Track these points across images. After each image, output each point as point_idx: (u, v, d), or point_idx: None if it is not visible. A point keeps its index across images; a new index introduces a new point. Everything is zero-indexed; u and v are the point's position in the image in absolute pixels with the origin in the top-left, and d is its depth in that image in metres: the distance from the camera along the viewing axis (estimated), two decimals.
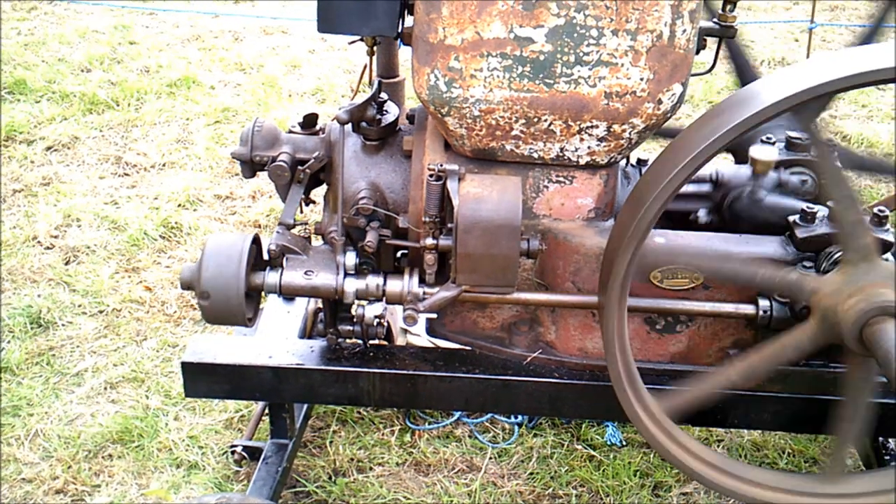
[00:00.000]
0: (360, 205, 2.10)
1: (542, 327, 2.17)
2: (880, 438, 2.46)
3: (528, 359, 2.17)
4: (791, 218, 1.97)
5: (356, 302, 2.17)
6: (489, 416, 2.83)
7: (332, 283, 2.08)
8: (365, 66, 2.52)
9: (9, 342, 3.08)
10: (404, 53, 2.29)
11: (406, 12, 2.05)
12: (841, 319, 1.72)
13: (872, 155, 4.00)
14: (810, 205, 1.98)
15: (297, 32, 6.17)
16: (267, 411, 2.55)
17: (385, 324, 2.20)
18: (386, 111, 2.21)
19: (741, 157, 2.27)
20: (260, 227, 3.88)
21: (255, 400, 2.72)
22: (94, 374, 2.97)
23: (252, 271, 2.08)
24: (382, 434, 2.78)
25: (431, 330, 2.27)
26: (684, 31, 1.85)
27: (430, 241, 2.00)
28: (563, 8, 1.81)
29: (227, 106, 4.96)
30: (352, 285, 2.08)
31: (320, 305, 2.36)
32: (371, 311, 2.18)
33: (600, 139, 1.96)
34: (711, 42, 2.27)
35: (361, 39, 2.19)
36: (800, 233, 1.94)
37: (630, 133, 1.95)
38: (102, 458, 2.67)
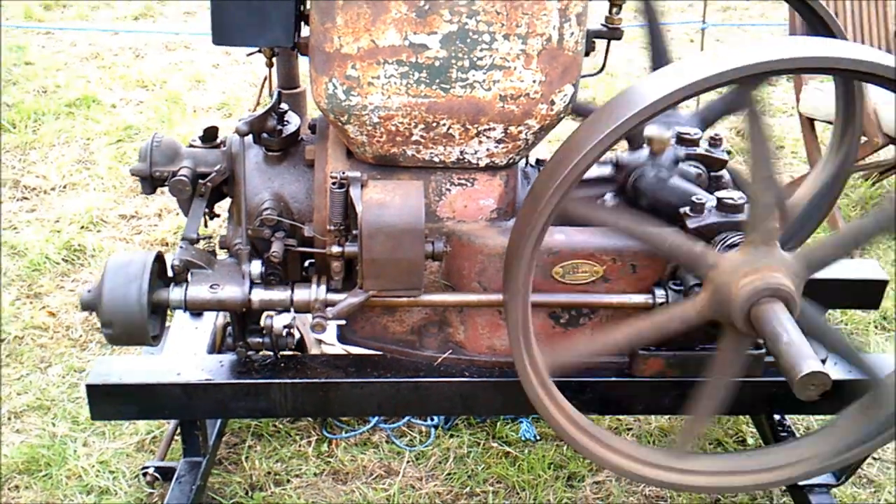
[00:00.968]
0: (264, 216, 2.09)
1: (451, 328, 2.21)
2: (775, 416, 2.58)
3: (439, 360, 2.20)
4: (682, 209, 2.05)
5: (265, 313, 2.16)
6: (406, 420, 2.85)
7: (238, 295, 2.07)
8: (265, 78, 2.52)
9: None
10: (305, 64, 2.30)
11: (302, 22, 2.06)
12: (733, 295, 1.81)
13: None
14: (699, 196, 2.07)
15: (200, 47, 6.10)
16: (179, 430, 2.51)
17: (295, 334, 2.19)
18: (287, 121, 2.21)
19: (636, 146, 2.32)
20: (167, 245, 3.81)
21: (164, 419, 2.67)
22: None
23: (156, 289, 2.05)
24: (299, 446, 2.76)
25: (343, 337, 2.27)
26: (572, 33, 1.91)
27: (335, 249, 2.01)
28: (455, 14, 1.85)
29: (129, 124, 4.86)
30: (258, 296, 2.08)
31: (229, 319, 2.34)
32: (280, 321, 2.17)
33: (498, 141, 2.01)
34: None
35: (260, 51, 2.19)
36: (690, 223, 2.02)
37: (526, 134, 2.01)
38: (9, 489, 2.57)
